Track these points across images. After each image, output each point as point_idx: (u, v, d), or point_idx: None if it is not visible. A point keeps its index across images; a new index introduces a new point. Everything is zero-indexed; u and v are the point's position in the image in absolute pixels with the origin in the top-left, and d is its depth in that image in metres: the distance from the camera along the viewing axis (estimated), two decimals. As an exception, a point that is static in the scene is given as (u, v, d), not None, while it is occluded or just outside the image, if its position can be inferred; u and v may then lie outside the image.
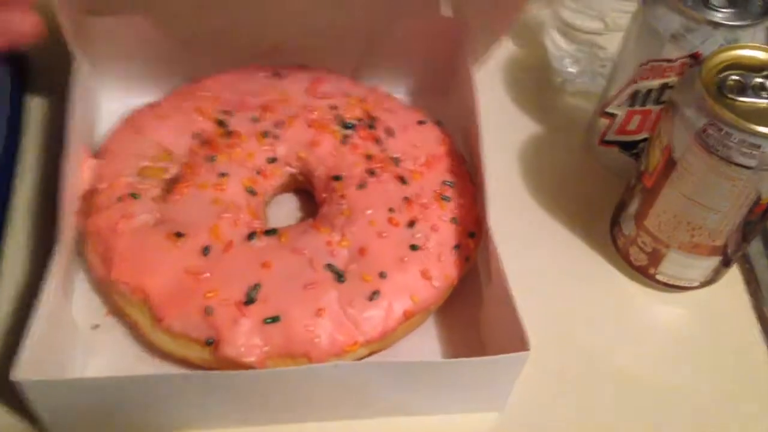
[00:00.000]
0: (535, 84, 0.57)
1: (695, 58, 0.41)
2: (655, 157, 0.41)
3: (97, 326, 0.43)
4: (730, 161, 0.37)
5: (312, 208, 0.48)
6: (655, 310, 0.46)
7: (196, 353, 0.40)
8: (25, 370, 0.35)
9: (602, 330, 0.45)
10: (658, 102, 0.45)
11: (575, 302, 0.46)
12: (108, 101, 0.52)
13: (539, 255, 0.47)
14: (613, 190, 0.49)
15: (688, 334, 0.45)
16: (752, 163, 0.37)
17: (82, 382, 0.37)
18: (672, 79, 0.43)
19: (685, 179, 0.39)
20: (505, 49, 0.58)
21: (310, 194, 0.48)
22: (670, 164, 0.40)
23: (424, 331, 0.44)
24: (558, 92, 0.56)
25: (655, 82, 0.44)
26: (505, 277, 0.39)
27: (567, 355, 0.44)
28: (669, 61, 0.42)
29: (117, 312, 0.43)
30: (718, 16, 0.40)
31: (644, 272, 0.45)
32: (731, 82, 0.38)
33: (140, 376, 0.37)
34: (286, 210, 0.48)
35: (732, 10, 0.40)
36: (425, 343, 0.43)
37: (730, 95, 0.37)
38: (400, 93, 0.53)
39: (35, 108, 0.52)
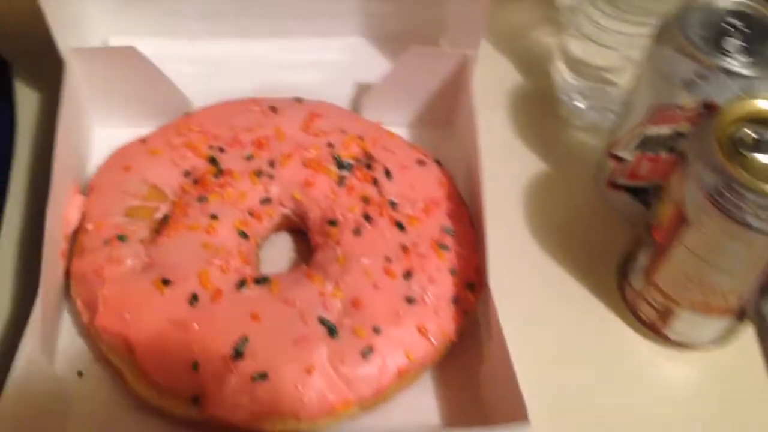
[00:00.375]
0: (541, 116, 0.55)
1: (709, 108, 0.39)
2: (668, 212, 0.39)
3: (81, 373, 0.42)
4: (744, 225, 0.35)
5: (306, 248, 0.46)
6: (666, 369, 0.44)
7: (181, 409, 0.39)
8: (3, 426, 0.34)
9: (610, 388, 0.43)
10: (670, 150, 0.42)
11: (582, 358, 0.44)
12: (99, 127, 0.50)
13: (543, 304, 0.45)
14: (621, 235, 0.47)
15: (700, 394, 0.43)
16: (768, 227, 0.34)
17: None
18: (684, 126, 0.41)
19: (698, 238, 0.37)
20: (509, 78, 0.56)
21: (304, 233, 0.47)
22: (681, 221, 0.38)
23: (421, 386, 0.42)
24: (565, 125, 0.54)
25: (666, 129, 0.42)
26: (504, 342, 0.38)
27: (573, 415, 0.42)
28: (681, 108, 0.40)
29: (102, 359, 0.41)
30: (734, 64, 0.38)
31: (653, 329, 0.43)
32: (747, 138, 0.36)
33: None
34: (279, 250, 0.47)
35: (749, 59, 0.38)
36: (422, 401, 0.41)
37: (745, 152, 0.35)
38: (400, 125, 0.51)
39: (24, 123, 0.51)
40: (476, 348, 0.43)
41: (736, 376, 0.44)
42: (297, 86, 0.50)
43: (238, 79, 0.51)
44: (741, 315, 0.42)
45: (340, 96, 0.52)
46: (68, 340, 0.42)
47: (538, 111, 0.55)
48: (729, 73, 0.38)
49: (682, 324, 0.42)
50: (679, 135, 0.41)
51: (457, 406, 0.42)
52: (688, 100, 0.39)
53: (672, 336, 0.43)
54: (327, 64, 0.53)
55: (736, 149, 0.35)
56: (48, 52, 0.48)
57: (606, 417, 0.42)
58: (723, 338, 0.43)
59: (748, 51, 0.38)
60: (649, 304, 0.42)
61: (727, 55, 0.38)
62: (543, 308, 0.45)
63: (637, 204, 0.47)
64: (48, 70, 0.48)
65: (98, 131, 0.50)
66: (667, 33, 0.39)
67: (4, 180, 0.47)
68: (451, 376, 0.42)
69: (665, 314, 0.42)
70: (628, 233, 0.47)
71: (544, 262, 0.48)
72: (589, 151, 0.52)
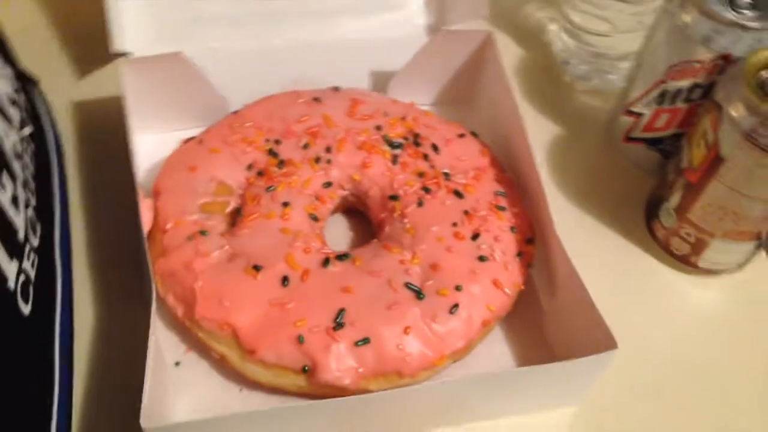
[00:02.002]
0: (545, 84, 0.59)
1: (725, 59, 0.44)
2: (700, 154, 0.44)
3: (178, 363, 0.44)
4: (780, 155, 0.40)
5: (361, 227, 0.50)
6: (696, 295, 0.49)
7: (290, 381, 0.42)
8: (148, 417, 0.36)
9: (647, 315, 0.48)
10: (686, 100, 0.48)
11: (618, 292, 0.49)
12: (141, 135, 0.52)
13: (577, 249, 0.49)
14: (640, 183, 0.53)
15: (728, 313, 0.49)
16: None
17: (205, 423, 0.38)
18: (701, 78, 0.46)
19: (733, 174, 0.43)
20: (511, 52, 0.61)
21: (357, 213, 0.50)
22: (717, 161, 0.43)
23: (491, 334, 0.46)
24: (569, 91, 0.59)
25: (685, 82, 0.47)
26: (580, 280, 0.42)
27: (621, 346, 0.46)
28: (699, 62, 0.45)
29: (199, 348, 0.44)
30: (746, 19, 0.43)
31: (685, 260, 0.49)
32: (770, 81, 0.41)
33: (262, 410, 0.38)
34: (336, 231, 0.50)
35: (758, 13, 0.44)
36: (496, 348, 0.46)
37: (771, 93, 0.41)
38: (424, 105, 0.55)
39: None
40: (533, 296, 0.47)
41: (757, 294, 0.49)
42: (326, 77, 0.53)
43: (269, 78, 0.54)
44: (759, 244, 0.48)
45: (365, 81, 0.55)
46: (160, 334, 0.45)
47: (542, 80, 0.59)
48: (743, 27, 0.43)
49: (713, 253, 0.47)
50: (697, 86, 0.47)
51: (527, 349, 0.46)
52: (706, 55, 0.45)
53: (702, 264, 0.48)
54: (349, 53, 0.56)
55: (764, 92, 0.41)
56: (69, 64, 0.51)
57: (643, 342, 0.47)
58: (745, 262, 0.49)
59: (756, 7, 0.44)
60: (682, 238, 0.48)
61: (738, 12, 0.44)
62: (576, 254, 0.49)
63: (653, 153, 0.52)
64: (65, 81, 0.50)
65: (139, 137, 0.52)
66: (686, -4, 0.45)
67: (66, 196, 0.48)
68: (516, 322, 0.47)
69: (698, 246, 0.47)
70: (645, 180, 0.52)
71: (570, 214, 0.52)
72: (594, 111, 0.58)
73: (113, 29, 0.52)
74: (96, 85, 0.54)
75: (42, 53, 0.56)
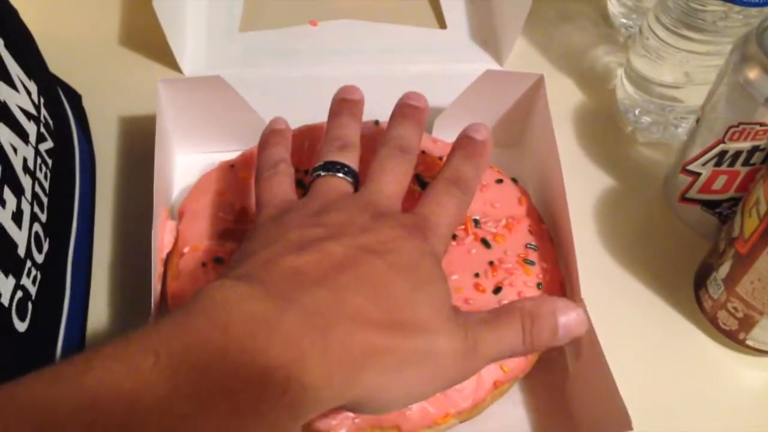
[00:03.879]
0: (606, 133, 0.56)
1: (789, 123, 0.41)
2: (752, 224, 0.40)
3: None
4: (836, 235, 0.36)
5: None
6: (744, 376, 0.45)
7: (285, 424, 0.40)
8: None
9: (690, 393, 0.44)
10: (746, 163, 0.44)
11: (661, 365, 0.45)
12: (179, 155, 0.52)
13: (620, 314, 0.47)
14: (694, 247, 0.49)
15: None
16: None
17: None
18: (764, 141, 0.42)
19: (785, 249, 0.39)
20: (572, 98, 0.58)
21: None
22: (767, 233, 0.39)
23: (509, 397, 0.43)
24: (629, 141, 0.56)
25: (746, 144, 0.43)
26: (602, 351, 0.39)
27: (654, 421, 0.43)
28: (762, 124, 0.41)
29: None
30: (814, 82, 0.40)
31: (733, 337, 0.44)
32: (832, 152, 0.37)
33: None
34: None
35: (827, 76, 0.40)
36: (511, 410, 0.43)
37: (831, 166, 0.37)
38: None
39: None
40: (560, 359, 0.44)
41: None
42: (373, 110, 0.52)
43: (314, 106, 0.53)
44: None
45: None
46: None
47: (603, 128, 0.56)
48: (810, 90, 0.39)
49: (763, 331, 0.43)
50: (758, 150, 0.43)
51: (545, 415, 0.43)
52: (768, 117, 0.41)
53: (751, 343, 0.44)
54: (395, 87, 0.55)
55: (823, 163, 0.37)
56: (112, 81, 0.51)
57: (686, 421, 0.43)
58: (801, 346, 0.44)
59: (826, 68, 0.40)
60: (729, 313, 0.44)
61: (805, 73, 0.40)
62: (620, 319, 0.46)
63: (709, 216, 0.48)
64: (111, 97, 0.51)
65: (177, 157, 0.52)
66: (748, 52, 0.41)
67: (89, 212, 0.49)
68: (537, 387, 0.44)
69: (746, 322, 0.43)
70: (700, 244, 0.49)
71: (618, 274, 0.49)
72: (654, 165, 0.54)
73: (173, 50, 0.53)
74: (143, 103, 0.54)
75: (90, 68, 0.57)
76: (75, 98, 0.53)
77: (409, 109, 0.44)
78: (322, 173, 0.40)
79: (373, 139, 0.49)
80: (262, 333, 0.30)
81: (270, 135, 0.45)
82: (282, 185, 0.41)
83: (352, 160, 0.41)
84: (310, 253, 0.34)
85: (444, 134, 0.51)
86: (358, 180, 0.41)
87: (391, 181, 0.40)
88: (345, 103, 0.45)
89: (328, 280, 0.33)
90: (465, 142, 0.42)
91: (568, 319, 0.36)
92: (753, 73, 0.41)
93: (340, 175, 0.40)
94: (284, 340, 0.30)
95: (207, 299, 0.31)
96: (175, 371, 0.28)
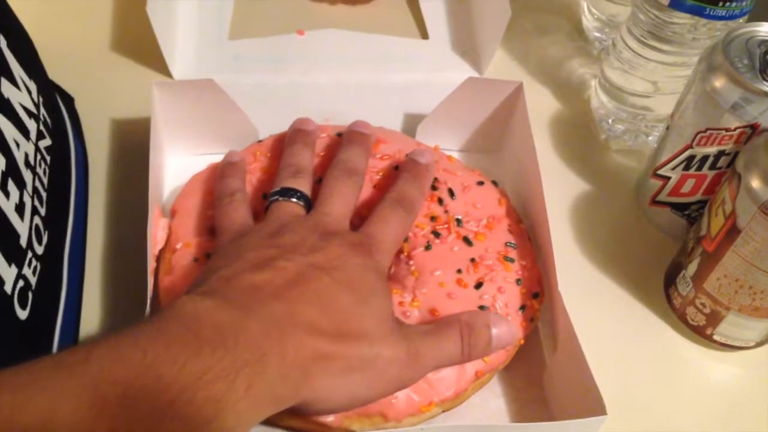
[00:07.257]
0: (580, 140, 0.59)
1: (753, 128, 0.43)
2: (717, 223, 0.43)
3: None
4: (795, 232, 0.38)
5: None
6: (711, 369, 0.47)
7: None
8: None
9: (659, 386, 0.47)
10: (713, 167, 0.46)
11: (631, 359, 0.48)
12: (170, 156, 0.54)
13: (593, 312, 0.49)
14: (664, 247, 0.51)
15: (744, 391, 0.47)
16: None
17: None
18: (729, 146, 0.45)
19: (749, 246, 0.41)
20: (549, 107, 0.60)
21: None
22: (733, 231, 0.41)
23: (489, 388, 0.45)
24: (603, 149, 0.58)
25: (713, 149, 0.46)
26: (578, 341, 0.41)
27: (624, 414, 0.44)
28: (727, 130, 0.44)
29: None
30: (776, 89, 0.42)
31: (701, 332, 0.47)
32: (793, 155, 0.40)
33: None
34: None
35: (788, 83, 0.42)
36: (491, 401, 0.45)
37: (792, 167, 0.39)
38: (451, 151, 0.55)
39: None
40: (537, 351, 0.46)
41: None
42: (355, 115, 0.54)
43: (300, 110, 0.55)
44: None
45: (395, 123, 0.56)
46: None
47: (578, 136, 0.59)
48: (772, 96, 0.42)
49: (729, 327, 0.45)
50: (724, 154, 0.45)
51: (523, 405, 0.45)
52: (734, 123, 0.43)
53: (717, 338, 0.47)
54: (382, 93, 0.57)
55: (785, 165, 0.39)
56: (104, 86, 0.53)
57: (656, 412, 0.45)
58: (764, 341, 0.47)
59: (786, 76, 0.42)
60: (697, 309, 0.46)
61: (768, 81, 0.42)
62: (593, 316, 0.48)
63: (678, 218, 0.51)
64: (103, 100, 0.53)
65: (168, 159, 0.54)
66: (715, 62, 0.43)
67: (84, 209, 0.50)
68: (516, 377, 0.46)
69: (714, 318, 0.45)
70: (670, 245, 0.51)
71: (592, 273, 0.51)
72: (627, 171, 0.56)
73: (164, 56, 0.55)
74: (134, 106, 0.56)
75: (83, 72, 0.59)
76: (68, 100, 0.54)
77: (356, 135, 0.49)
78: (279, 198, 0.44)
79: (336, 149, 0.51)
80: (230, 336, 0.34)
81: (226, 167, 0.48)
82: (239, 211, 0.45)
83: (304, 185, 0.46)
84: (265, 271, 0.38)
85: (426, 139, 0.54)
86: (310, 203, 0.45)
87: (338, 202, 0.44)
88: (299, 133, 0.49)
89: (282, 294, 0.37)
90: (410, 165, 0.47)
91: (500, 330, 0.42)
92: (719, 82, 0.43)
93: (294, 200, 0.44)
94: (249, 342, 0.34)
95: (179, 310, 0.35)
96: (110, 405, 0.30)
